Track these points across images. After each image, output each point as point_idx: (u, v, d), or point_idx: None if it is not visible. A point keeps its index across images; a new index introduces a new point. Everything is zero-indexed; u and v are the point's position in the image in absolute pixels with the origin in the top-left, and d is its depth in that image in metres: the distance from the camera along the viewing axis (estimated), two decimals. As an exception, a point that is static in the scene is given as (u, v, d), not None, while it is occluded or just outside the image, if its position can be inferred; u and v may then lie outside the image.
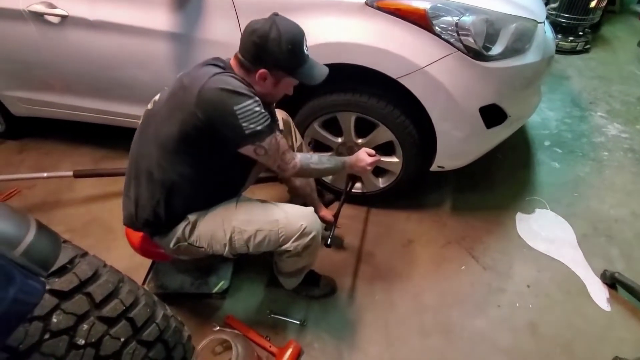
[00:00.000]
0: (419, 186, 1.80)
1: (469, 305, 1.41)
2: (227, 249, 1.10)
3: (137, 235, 1.26)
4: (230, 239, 1.09)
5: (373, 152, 1.31)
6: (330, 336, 1.33)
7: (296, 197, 1.69)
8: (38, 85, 1.89)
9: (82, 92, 1.80)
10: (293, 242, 1.09)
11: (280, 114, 1.45)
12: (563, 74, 2.78)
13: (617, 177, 1.92)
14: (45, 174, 1.81)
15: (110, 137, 2.13)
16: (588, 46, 3.04)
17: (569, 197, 1.81)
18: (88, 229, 1.77)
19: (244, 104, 0.97)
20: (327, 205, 1.77)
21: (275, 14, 1.02)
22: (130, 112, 1.77)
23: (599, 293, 1.43)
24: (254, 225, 1.08)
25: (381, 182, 1.69)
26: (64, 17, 1.53)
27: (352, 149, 1.59)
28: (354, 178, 1.56)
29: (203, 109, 0.97)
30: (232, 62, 1.07)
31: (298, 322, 1.37)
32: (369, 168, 1.29)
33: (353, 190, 1.74)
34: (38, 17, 1.56)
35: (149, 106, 1.12)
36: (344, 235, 1.66)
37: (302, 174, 1.20)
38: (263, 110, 1.01)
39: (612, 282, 1.43)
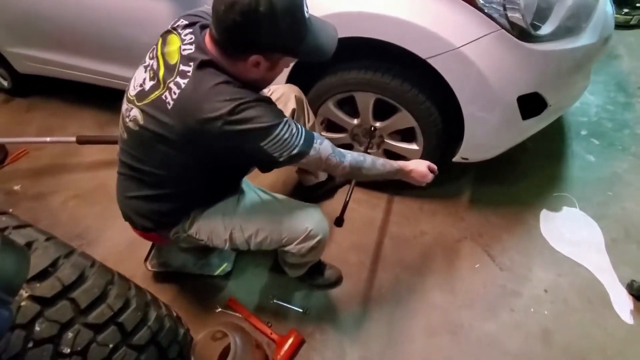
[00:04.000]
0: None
1: (480, 307, 1.34)
2: (227, 244, 1.05)
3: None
4: (231, 235, 1.03)
5: (435, 167, 1.13)
6: (332, 328, 1.30)
7: (305, 175, 1.61)
8: (38, 42, 1.78)
9: (81, 52, 1.69)
10: (297, 244, 1.02)
11: (292, 91, 1.32)
12: (611, 52, 2.46)
13: (659, 176, 1.74)
14: (48, 139, 1.75)
15: (116, 99, 2.04)
16: (644, 19, 2.68)
17: (601, 196, 1.66)
18: (95, 195, 1.74)
19: (273, 135, 0.79)
20: (339, 187, 1.68)
21: None
22: (130, 75, 1.66)
23: (623, 304, 1.33)
24: (255, 224, 1.01)
25: (397, 169, 1.57)
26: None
27: (368, 132, 1.46)
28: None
29: (217, 145, 0.81)
30: (207, 43, 0.81)
31: (301, 310, 1.34)
32: (425, 182, 1.13)
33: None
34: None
35: (127, 121, 0.93)
36: (353, 221, 1.58)
37: (351, 177, 1.05)
38: (295, 128, 0.83)
39: (639, 294, 1.33)
